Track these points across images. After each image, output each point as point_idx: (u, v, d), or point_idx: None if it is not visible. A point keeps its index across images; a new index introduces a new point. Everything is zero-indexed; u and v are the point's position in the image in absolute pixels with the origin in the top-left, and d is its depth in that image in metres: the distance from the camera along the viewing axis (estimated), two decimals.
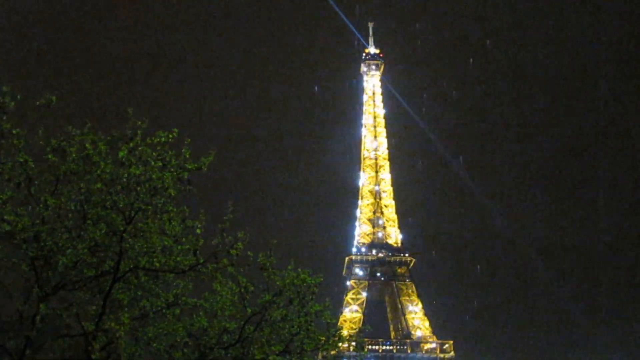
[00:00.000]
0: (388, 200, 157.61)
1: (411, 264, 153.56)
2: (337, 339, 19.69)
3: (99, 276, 16.16)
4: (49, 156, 15.07)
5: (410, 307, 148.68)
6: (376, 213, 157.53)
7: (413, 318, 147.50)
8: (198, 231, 16.16)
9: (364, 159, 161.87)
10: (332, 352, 19.88)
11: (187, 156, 15.70)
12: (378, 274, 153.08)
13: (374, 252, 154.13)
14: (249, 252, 16.94)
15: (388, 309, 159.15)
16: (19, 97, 14.58)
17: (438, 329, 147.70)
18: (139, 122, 15.31)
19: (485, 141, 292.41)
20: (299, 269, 18.00)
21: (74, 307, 16.19)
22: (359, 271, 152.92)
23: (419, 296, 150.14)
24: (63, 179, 15.37)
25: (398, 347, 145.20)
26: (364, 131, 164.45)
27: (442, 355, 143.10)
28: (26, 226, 14.84)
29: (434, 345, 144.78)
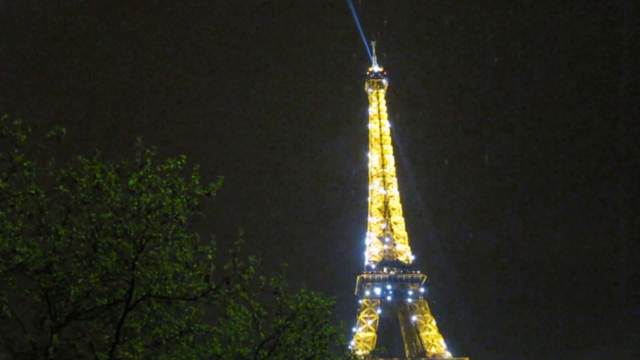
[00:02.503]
0: (397, 217, 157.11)
1: (423, 281, 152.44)
2: None
3: (111, 305, 16.13)
4: (60, 187, 15.16)
5: (424, 325, 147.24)
6: (386, 230, 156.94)
7: (427, 335, 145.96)
8: (210, 257, 16.11)
9: (372, 176, 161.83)
10: None
11: (197, 182, 15.75)
12: (390, 292, 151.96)
13: (385, 270, 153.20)
14: (261, 276, 16.88)
15: (402, 327, 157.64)
16: (29, 129, 14.74)
17: (453, 346, 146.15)
18: (148, 151, 15.41)
19: (495, 153, 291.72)
20: (312, 292, 17.90)
21: (87, 337, 16.14)
22: (370, 290, 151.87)
23: (432, 313, 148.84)
24: (74, 208, 15.45)
25: None
26: (370, 149, 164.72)
27: None
28: (38, 257, 14.87)
29: None
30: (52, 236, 15.09)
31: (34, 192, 14.85)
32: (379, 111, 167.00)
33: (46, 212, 15.25)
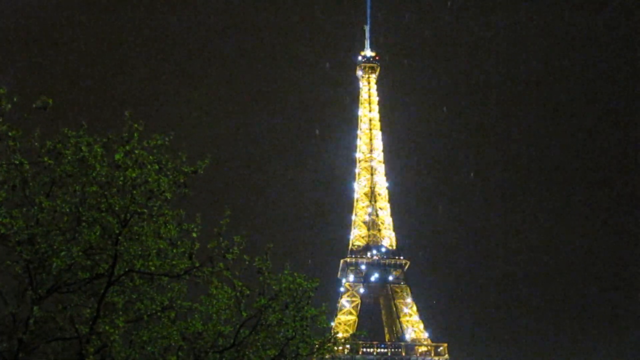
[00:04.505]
0: (383, 203, 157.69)
1: (406, 267, 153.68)
2: (332, 343, 19.68)
3: (93, 279, 16.07)
4: (45, 158, 14.99)
5: (405, 310, 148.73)
6: (371, 216, 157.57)
7: (407, 321, 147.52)
8: (194, 235, 16.10)
9: (359, 161, 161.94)
10: (327, 356, 19.88)
11: (184, 159, 15.66)
12: (373, 277, 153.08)
13: (368, 254, 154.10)
14: (244, 256, 16.89)
15: (383, 312, 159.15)
16: (15, 99, 14.52)
17: (432, 332, 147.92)
18: (136, 125, 15.26)
19: (480, 142, 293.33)
20: (295, 273, 17.98)
21: (68, 310, 16.09)
22: (353, 274, 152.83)
23: (413, 299, 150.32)
24: (58, 181, 15.30)
25: (392, 350, 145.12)
26: (359, 134, 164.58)
27: (436, 358, 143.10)
28: (21, 228, 14.75)
29: (428, 348, 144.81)
30: (36, 208, 14.96)
31: (18, 162, 14.67)
32: (369, 96, 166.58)
33: (30, 184, 15.09)
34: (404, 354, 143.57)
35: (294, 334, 18.13)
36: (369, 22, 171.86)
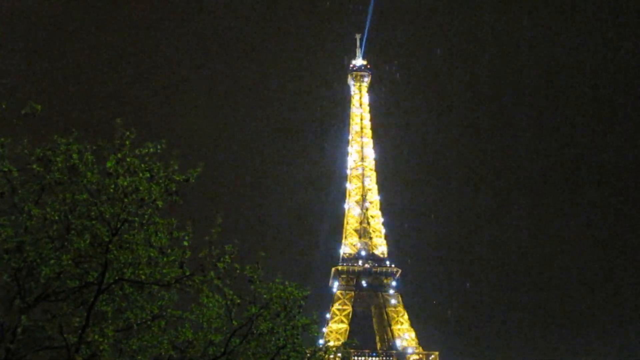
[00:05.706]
0: (374, 211, 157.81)
1: (397, 275, 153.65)
2: (323, 352, 19.63)
3: (82, 287, 15.94)
4: (34, 165, 14.88)
5: (396, 318, 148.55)
6: (363, 224, 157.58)
7: (399, 329, 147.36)
8: (185, 243, 16.01)
9: (351, 169, 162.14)
10: None
11: (176, 168, 15.58)
12: (364, 285, 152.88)
13: (360, 262, 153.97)
14: (235, 265, 16.81)
15: (374, 320, 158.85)
16: (3, 105, 14.41)
17: (424, 340, 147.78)
18: (128, 133, 15.18)
19: (472, 151, 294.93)
20: (287, 282, 17.91)
21: (57, 318, 15.92)
22: (345, 282, 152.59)
23: (405, 307, 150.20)
24: (48, 188, 15.19)
25: (384, 358, 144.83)
26: (350, 142, 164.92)
27: None
28: (9, 236, 14.63)
29: (419, 356, 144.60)
30: (25, 215, 14.83)
31: (6, 169, 14.57)
32: (360, 104, 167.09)
33: (19, 191, 14.98)
34: None
35: (284, 342, 18.05)
36: (366, 31, 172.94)
